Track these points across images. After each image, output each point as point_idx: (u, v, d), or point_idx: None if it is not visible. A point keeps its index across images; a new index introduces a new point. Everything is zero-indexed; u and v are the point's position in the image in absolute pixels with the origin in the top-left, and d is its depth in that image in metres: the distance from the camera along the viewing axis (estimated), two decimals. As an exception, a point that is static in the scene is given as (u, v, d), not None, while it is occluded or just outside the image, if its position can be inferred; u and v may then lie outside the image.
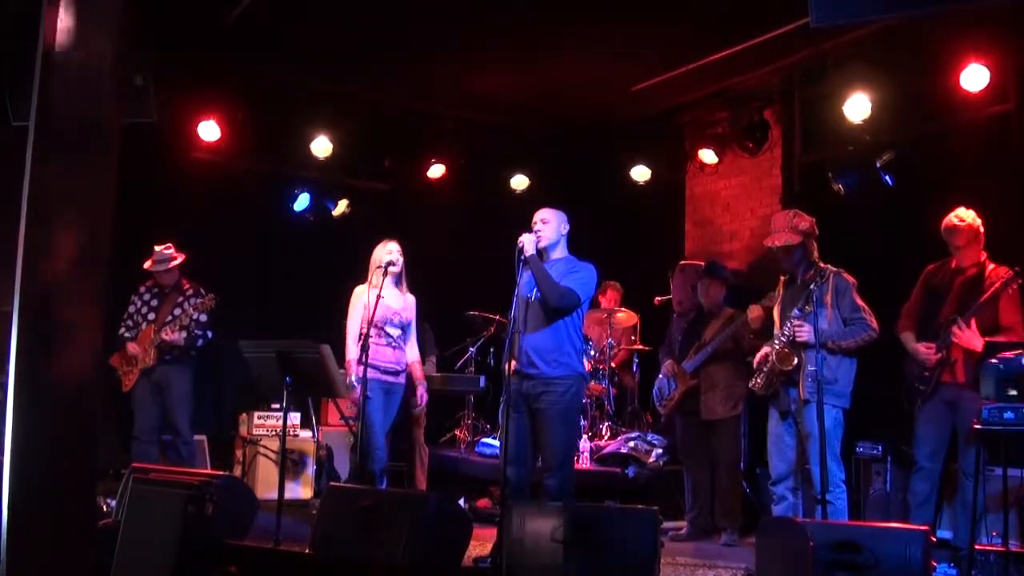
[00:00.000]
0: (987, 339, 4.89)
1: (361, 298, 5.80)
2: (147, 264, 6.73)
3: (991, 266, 5.07)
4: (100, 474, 5.85)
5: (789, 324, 5.01)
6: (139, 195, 6.30)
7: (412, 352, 5.99)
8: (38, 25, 2.46)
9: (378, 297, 5.61)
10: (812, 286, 4.94)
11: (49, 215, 2.44)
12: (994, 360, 4.68)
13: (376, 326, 5.66)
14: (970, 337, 4.90)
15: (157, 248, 6.74)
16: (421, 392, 6.14)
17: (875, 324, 4.98)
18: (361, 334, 5.66)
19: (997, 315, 4.96)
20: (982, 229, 5.13)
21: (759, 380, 5.21)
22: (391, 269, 5.72)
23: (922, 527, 3.94)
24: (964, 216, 5.13)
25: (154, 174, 7.45)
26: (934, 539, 4.20)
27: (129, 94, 5.31)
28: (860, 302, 5.01)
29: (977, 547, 4.80)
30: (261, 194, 8.41)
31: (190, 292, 6.72)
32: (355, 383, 5.59)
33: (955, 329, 4.93)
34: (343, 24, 6.84)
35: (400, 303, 5.86)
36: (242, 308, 7.06)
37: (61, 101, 2.44)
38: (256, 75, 7.78)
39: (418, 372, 6.04)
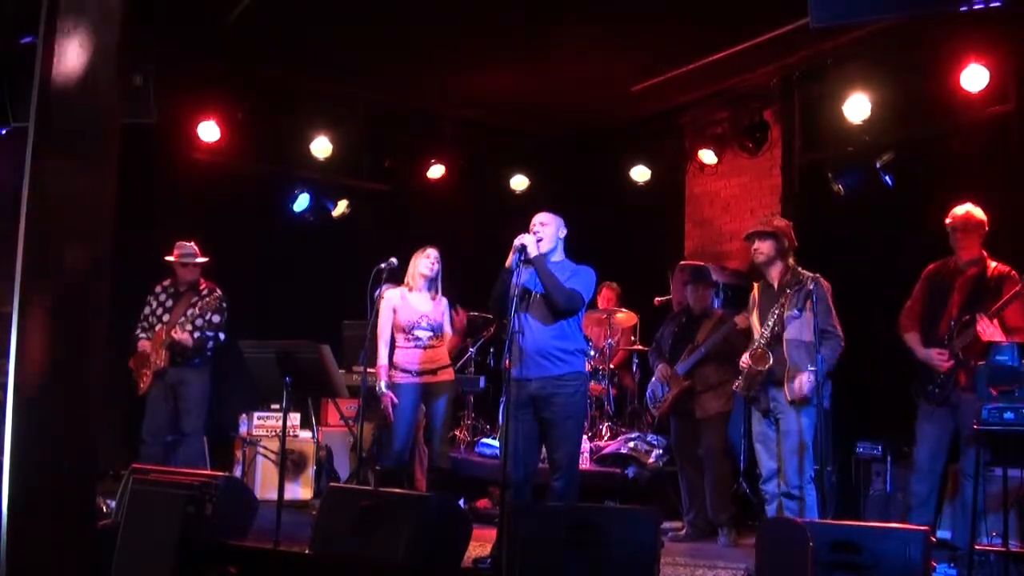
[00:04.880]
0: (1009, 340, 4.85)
1: (391, 302, 5.84)
2: (171, 256, 6.58)
3: (993, 264, 5.07)
4: (100, 474, 5.84)
5: (769, 324, 5.12)
6: (139, 196, 6.30)
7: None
8: (38, 25, 2.47)
9: (375, 299, 5.61)
10: (790, 290, 5.08)
11: (49, 216, 2.44)
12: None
13: (403, 330, 5.77)
14: (994, 332, 4.89)
15: (181, 243, 6.62)
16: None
17: (842, 335, 5.09)
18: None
19: (1003, 317, 4.95)
20: (985, 223, 5.12)
21: (740, 382, 5.33)
22: (424, 274, 5.84)
23: (922, 527, 3.95)
24: (967, 208, 5.15)
25: (154, 174, 7.44)
26: (934, 539, 4.21)
27: (129, 94, 5.31)
28: (833, 311, 5.12)
29: (977, 547, 4.81)
30: (261, 194, 8.41)
31: (204, 292, 6.56)
32: (385, 389, 5.70)
33: (982, 320, 4.86)
34: (342, 24, 6.84)
35: (430, 306, 5.88)
36: (242, 308, 7.04)
37: (61, 101, 2.44)
38: (256, 75, 7.78)
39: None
